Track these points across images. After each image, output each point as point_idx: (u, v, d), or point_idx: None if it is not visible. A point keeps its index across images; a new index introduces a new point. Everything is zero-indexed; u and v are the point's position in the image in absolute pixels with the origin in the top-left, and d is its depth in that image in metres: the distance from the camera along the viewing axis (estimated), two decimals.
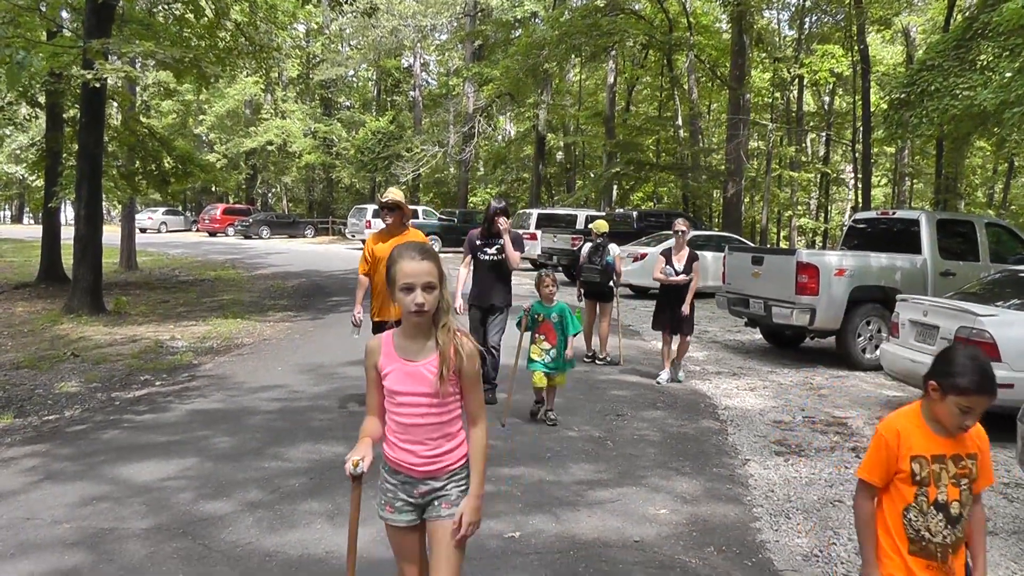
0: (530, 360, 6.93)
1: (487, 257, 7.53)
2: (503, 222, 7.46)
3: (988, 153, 33.86)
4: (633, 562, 4.15)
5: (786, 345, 11.71)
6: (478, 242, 7.59)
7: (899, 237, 10.95)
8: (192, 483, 5.15)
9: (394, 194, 6.92)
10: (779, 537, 4.60)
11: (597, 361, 9.95)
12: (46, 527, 4.41)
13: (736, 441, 6.64)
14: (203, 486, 5.09)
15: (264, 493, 4.99)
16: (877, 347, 9.76)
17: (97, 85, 11.69)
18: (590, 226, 10.50)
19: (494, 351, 7.57)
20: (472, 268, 7.67)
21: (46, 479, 5.21)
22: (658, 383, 8.71)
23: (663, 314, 8.97)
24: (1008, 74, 10.50)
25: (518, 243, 7.59)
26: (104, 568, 3.94)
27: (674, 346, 9.04)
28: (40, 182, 25.20)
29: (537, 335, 6.95)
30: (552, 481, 5.39)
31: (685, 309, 8.66)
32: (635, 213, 23.33)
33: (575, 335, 6.95)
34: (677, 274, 8.73)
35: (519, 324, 7.13)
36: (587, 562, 4.13)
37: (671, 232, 9.23)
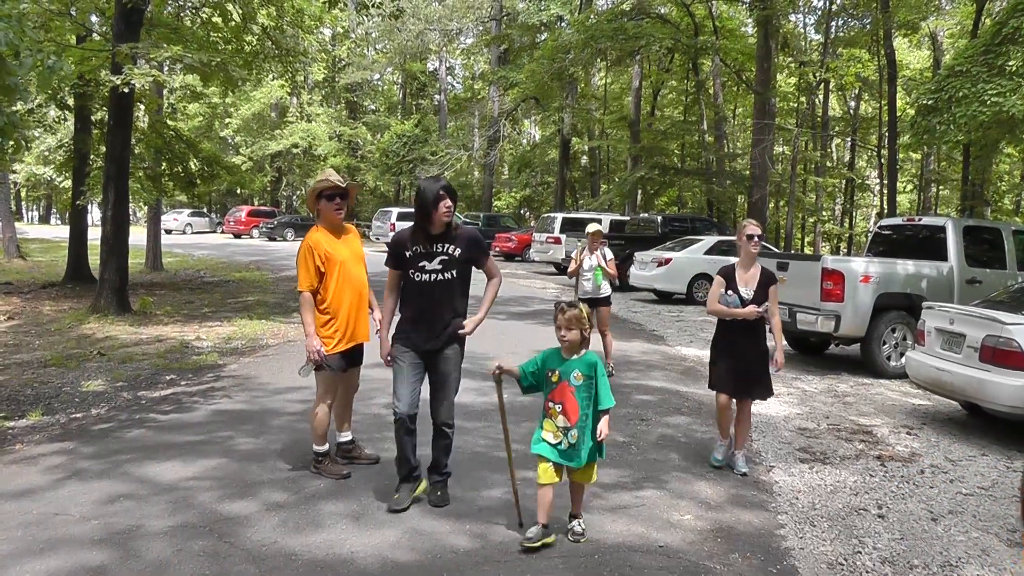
0: (536, 440, 4.44)
1: (426, 276, 4.76)
2: (447, 210, 4.69)
3: (1015, 160, 33.47)
4: (658, 567, 4.14)
5: (810, 352, 11.62)
6: (408, 253, 4.79)
7: (925, 244, 10.84)
8: (216, 483, 5.18)
9: (335, 175, 5.38)
10: (804, 544, 4.56)
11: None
12: (73, 524, 4.46)
13: (761, 447, 6.60)
14: (227, 486, 5.13)
15: (288, 494, 5.02)
16: (902, 355, 9.70)
17: (126, 90, 11.81)
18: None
19: (447, 430, 4.91)
20: (401, 293, 4.91)
21: (72, 476, 5.26)
22: (714, 464, 5.94)
23: (725, 365, 5.92)
24: None
25: (479, 247, 4.94)
26: (131, 565, 3.98)
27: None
28: (67, 183, 25.48)
29: (550, 403, 4.42)
30: None
31: (778, 359, 5.90)
32: (659, 218, 23.31)
33: (608, 410, 4.42)
34: (744, 303, 5.81)
35: (525, 381, 4.53)
36: (611, 567, 4.12)
37: (737, 240, 6.12)
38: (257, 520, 4.58)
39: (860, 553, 4.47)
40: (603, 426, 4.35)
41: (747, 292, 5.82)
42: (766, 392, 5.95)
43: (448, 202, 4.66)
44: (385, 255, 5.17)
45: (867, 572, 4.23)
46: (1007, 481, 5.93)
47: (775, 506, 5.19)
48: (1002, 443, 7.00)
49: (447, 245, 4.76)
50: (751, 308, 5.75)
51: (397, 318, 4.96)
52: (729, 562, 4.25)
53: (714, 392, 6.07)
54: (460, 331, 4.81)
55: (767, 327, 5.89)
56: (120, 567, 3.96)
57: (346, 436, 5.71)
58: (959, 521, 5.04)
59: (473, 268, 4.95)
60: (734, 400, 5.91)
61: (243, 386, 8.22)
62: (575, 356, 4.41)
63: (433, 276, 4.75)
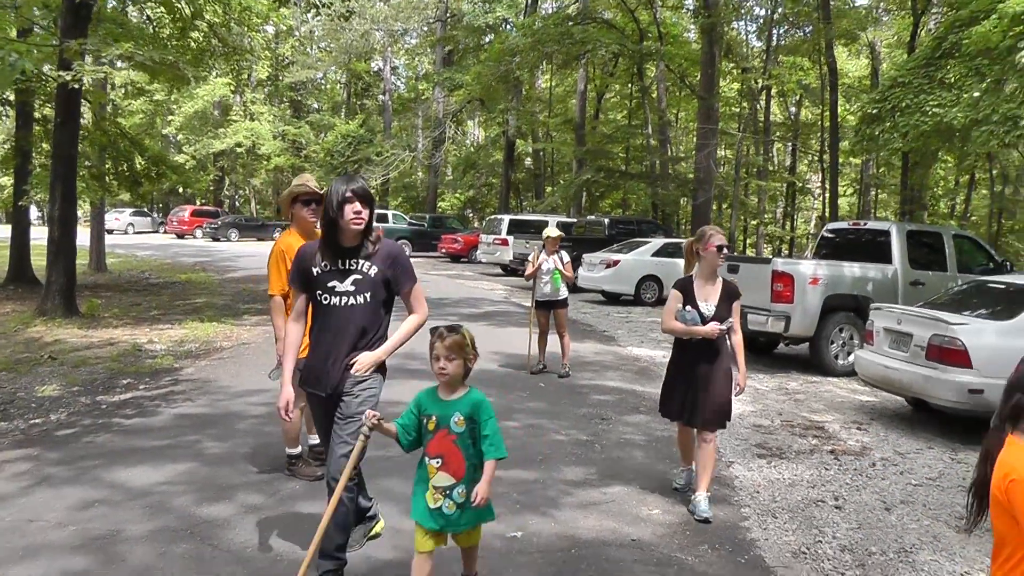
0: (415, 504, 3.53)
1: (336, 299, 3.80)
2: (356, 216, 3.74)
3: (950, 165, 34.64)
4: (632, 560, 4.29)
5: (759, 351, 11.93)
6: (316, 270, 3.83)
7: (870, 247, 11.24)
8: (191, 487, 5.19)
9: (313, 181, 5.26)
10: (768, 536, 4.77)
11: (560, 376, 9.30)
12: (51, 530, 4.43)
13: (719, 444, 6.78)
14: (202, 489, 5.14)
15: (264, 496, 5.06)
16: (850, 354, 10.06)
17: (76, 86, 11.60)
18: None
19: (334, 483, 3.61)
20: (311, 316, 3.97)
21: (42, 483, 5.21)
22: (676, 487, 5.54)
23: (675, 390, 5.31)
24: (976, 93, 10.83)
25: (400, 266, 3.90)
26: (116, 569, 3.99)
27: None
28: (4, 181, 24.69)
29: (427, 457, 3.50)
30: (546, 483, 5.51)
31: (740, 382, 5.27)
32: (606, 220, 23.62)
33: (499, 460, 3.46)
34: (705, 320, 5.12)
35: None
36: (588, 560, 4.27)
37: (681, 247, 5.52)
38: (237, 522, 4.61)
39: (821, 542, 4.70)
40: (482, 487, 3.37)
41: (708, 308, 5.13)
42: (722, 421, 5.23)
43: (358, 207, 3.71)
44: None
45: (828, 560, 4.45)
46: (953, 472, 6.25)
47: (737, 500, 5.40)
48: (946, 436, 7.34)
49: (361, 262, 3.81)
50: (712, 326, 5.05)
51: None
52: (699, 553, 4.42)
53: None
54: (349, 371, 3.79)
55: (728, 345, 5.25)
56: (105, 572, 3.97)
57: (316, 438, 5.75)
58: (911, 510, 5.31)
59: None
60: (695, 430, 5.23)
61: (203, 389, 8.17)
62: (455, 395, 3.50)
63: (344, 300, 3.78)
